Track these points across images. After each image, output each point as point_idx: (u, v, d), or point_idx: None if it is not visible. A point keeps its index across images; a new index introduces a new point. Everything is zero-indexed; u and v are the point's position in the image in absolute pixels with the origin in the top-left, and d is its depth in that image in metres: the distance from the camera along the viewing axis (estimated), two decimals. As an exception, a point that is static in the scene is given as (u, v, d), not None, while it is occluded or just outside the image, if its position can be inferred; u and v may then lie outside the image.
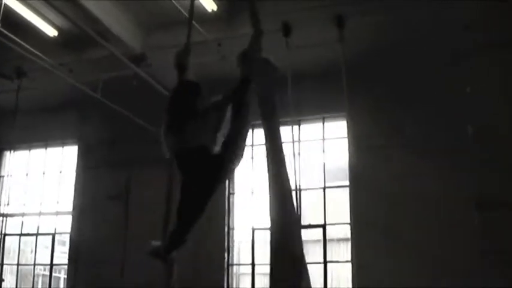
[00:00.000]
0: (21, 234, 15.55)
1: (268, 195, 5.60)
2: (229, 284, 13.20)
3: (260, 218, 13.10)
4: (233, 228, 13.59)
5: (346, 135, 12.43)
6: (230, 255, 13.38)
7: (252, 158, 13.33)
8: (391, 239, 11.56)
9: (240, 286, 14.05)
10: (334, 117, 13.21)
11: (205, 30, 10.85)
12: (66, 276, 15.29)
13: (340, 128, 13.07)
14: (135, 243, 12.76)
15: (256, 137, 13.29)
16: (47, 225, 15.53)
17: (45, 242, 15.93)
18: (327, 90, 12.51)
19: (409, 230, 11.50)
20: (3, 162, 16.28)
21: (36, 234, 15.38)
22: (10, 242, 16.03)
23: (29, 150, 16.13)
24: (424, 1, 10.42)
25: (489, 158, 11.19)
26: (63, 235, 16.07)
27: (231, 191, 13.64)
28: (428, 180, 11.65)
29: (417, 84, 12.16)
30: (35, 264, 15.41)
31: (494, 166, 11.18)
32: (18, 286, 15.33)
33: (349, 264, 12.15)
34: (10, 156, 15.79)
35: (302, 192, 12.63)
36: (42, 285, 17.43)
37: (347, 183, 12.60)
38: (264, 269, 11.87)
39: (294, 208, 5.57)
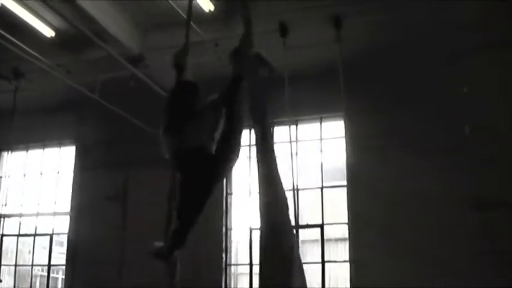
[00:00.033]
0: (19, 235, 15.54)
1: (258, 196, 5.62)
2: (228, 284, 13.20)
3: (258, 218, 13.09)
4: (231, 229, 13.60)
5: (343, 135, 12.46)
6: (228, 255, 13.39)
7: (250, 158, 13.33)
8: (388, 239, 11.57)
9: (238, 286, 14.06)
10: (332, 117, 13.22)
11: (203, 30, 10.86)
12: (64, 277, 15.26)
13: (337, 128, 13.07)
14: (132, 244, 12.79)
15: (253, 137, 13.28)
16: (45, 225, 15.52)
17: (43, 242, 15.90)
18: (325, 90, 12.51)
19: (407, 230, 11.51)
20: (0, 163, 16.26)
21: (34, 235, 15.36)
22: (8, 243, 16.01)
23: (27, 150, 16.11)
24: (423, 1, 10.43)
25: (488, 158, 11.21)
26: (61, 236, 16.07)
27: (228, 192, 13.64)
28: (426, 180, 11.65)
29: (416, 84, 12.16)
30: (32, 265, 15.40)
31: (493, 166, 11.20)
32: (16, 287, 15.30)
33: (347, 264, 12.15)
34: (8, 156, 15.80)
35: (300, 192, 12.67)
36: (40, 285, 17.44)
37: (345, 183, 12.58)
38: (261, 269, 11.87)
39: (285, 208, 5.58)
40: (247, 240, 13.23)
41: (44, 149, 15.95)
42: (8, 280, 15.66)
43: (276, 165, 5.65)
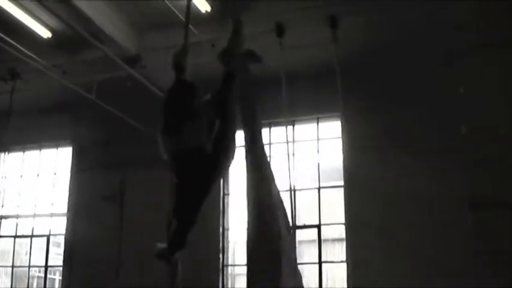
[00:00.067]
0: (15, 236, 15.51)
1: (247, 196, 5.60)
2: (225, 284, 13.20)
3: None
4: (228, 229, 13.59)
5: (340, 135, 12.46)
6: (225, 256, 13.38)
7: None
8: (385, 239, 11.58)
9: (235, 287, 14.05)
10: (328, 118, 13.22)
11: (199, 31, 10.85)
12: (61, 278, 15.25)
13: (334, 128, 13.08)
14: (129, 244, 12.80)
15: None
16: (42, 226, 15.50)
17: (39, 243, 15.89)
18: (321, 90, 12.51)
19: (403, 230, 11.52)
20: (-3, 164, 16.26)
21: (31, 236, 15.34)
22: (4, 244, 15.99)
23: (23, 151, 16.08)
24: (417, 1, 10.44)
25: (483, 158, 11.21)
26: (57, 237, 16.05)
27: (225, 192, 13.63)
28: (423, 180, 11.66)
29: (411, 84, 12.17)
30: (29, 266, 15.37)
31: (488, 166, 11.18)
32: (12, 288, 15.32)
33: (344, 264, 12.14)
34: (4, 157, 15.79)
35: (297, 192, 12.66)
36: (37, 287, 17.42)
37: (341, 183, 12.61)
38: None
39: (276, 210, 5.54)
40: (245, 240, 13.20)
41: (40, 150, 15.92)
42: (5, 281, 15.64)
43: (268, 167, 5.60)
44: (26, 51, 11.41)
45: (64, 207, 14.97)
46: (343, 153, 12.30)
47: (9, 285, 15.18)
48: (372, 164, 12.12)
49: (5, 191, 15.79)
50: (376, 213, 11.82)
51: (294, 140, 13.14)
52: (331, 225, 13.40)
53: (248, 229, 5.56)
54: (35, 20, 11.47)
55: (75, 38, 11.39)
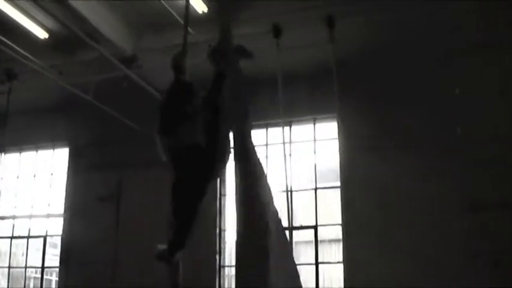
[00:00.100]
0: (12, 237, 15.51)
1: (236, 194, 5.59)
2: (221, 285, 13.18)
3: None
4: (225, 230, 13.57)
5: (337, 136, 12.46)
6: (222, 256, 13.37)
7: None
8: (382, 240, 11.57)
9: (232, 287, 14.04)
10: (325, 118, 13.21)
11: (196, 31, 10.85)
12: (57, 279, 15.23)
13: (331, 129, 13.07)
14: (126, 245, 12.80)
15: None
16: (38, 227, 15.50)
17: (36, 244, 15.87)
18: (318, 91, 12.52)
19: (401, 230, 11.51)
20: (-6, 165, 16.23)
21: (28, 237, 15.33)
22: (1, 245, 15.99)
23: (20, 152, 16.07)
24: (417, 1, 10.43)
25: (483, 158, 11.20)
26: (54, 237, 16.02)
27: (222, 193, 13.62)
28: (420, 181, 11.65)
29: (410, 84, 12.14)
30: (26, 267, 15.37)
31: (488, 166, 11.17)
32: (9, 289, 15.30)
33: (341, 265, 12.15)
34: (1, 158, 15.74)
35: (293, 193, 12.68)
36: (33, 287, 17.39)
37: (338, 184, 12.60)
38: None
39: (263, 206, 5.51)
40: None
41: (37, 150, 15.90)
42: (2, 282, 15.61)
43: (258, 165, 5.58)
44: (22, 51, 11.42)
45: (61, 208, 14.95)
46: (340, 154, 12.30)
47: (5, 286, 15.16)
48: (369, 165, 12.11)
49: (1, 191, 15.74)
50: (373, 214, 11.81)
51: (290, 140, 13.12)
52: (327, 226, 13.41)
53: (237, 226, 5.55)
54: (31, 20, 11.47)
55: (71, 38, 11.41)
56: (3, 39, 10.90)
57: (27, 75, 12.68)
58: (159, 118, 5.86)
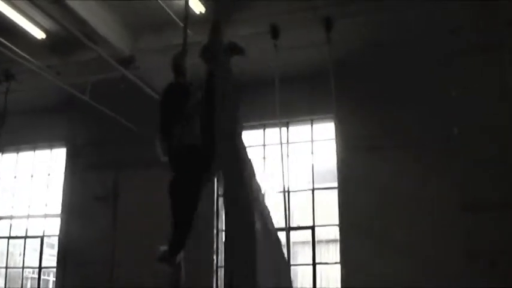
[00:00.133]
0: (9, 237, 15.49)
1: (223, 193, 5.56)
2: (218, 286, 13.17)
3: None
4: (222, 230, 13.56)
5: (334, 136, 12.46)
6: (219, 257, 13.36)
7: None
8: (380, 240, 11.58)
9: (229, 288, 14.01)
10: (323, 119, 13.22)
11: (194, 32, 10.84)
12: (55, 279, 15.23)
13: (328, 130, 13.07)
14: (123, 245, 12.79)
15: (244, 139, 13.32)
16: (36, 227, 15.48)
17: (33, 244, 15.87)
18: (316, 92, 12.52)
19: (398, 231, 11.52)
20: (-9, 165, 16.23)
21: (25, 237, 15.33)
22: (-2, 245, 15.99)
23: (17, 152, 16.06)
24: (417, 2, 10.42)
25: (483, 158, 11.21)
26: (51, 238, 16.03)
27: (219, 193, 13.61)
28: (418, 181, 11.67)
29: (408, 85, 12.12)
30: (23, 267, 15.37)
31: (487, 167, 11.17)
32: (6, 289, 15.29)
33: (338, 266, 12.14)
34: (-2, 158, 15.79)
35: (291, 194, 12.68)
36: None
37: (336, 184, 12.60)
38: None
39: (252, 205, 5.48)
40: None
41: (34, 150, 15.89)
42: (-1, 282, 15.63)
43: (248, 164, 5.54)
44: (20, 52, 11.40)
45: (58, 208, 14.95)
46: (337, 154, 12.29)
47: (3, 287, 15.15)
48: (367, 165, 12.12)
49: (-1, 192, 15.78)
50: (371, 214, 11.81)
51: (288, 141, 13.14)
52: (325, 227, 13.41)
53: (225, 227, 5.53)
54: (29, 21, 11.47)
55: (69, 39, 11.40)
56: (1, 39, 10.89)
57: (25, 76, 12.68)
58: (158, 118, 5.88)
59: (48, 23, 11.68)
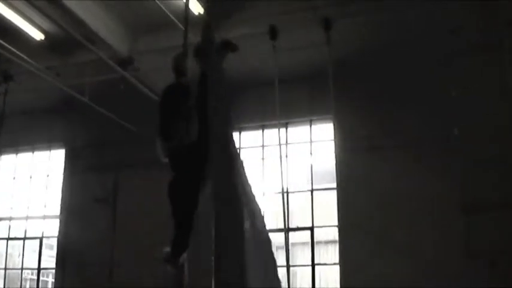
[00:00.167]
0: (8, 238, 15.48)
1: (213, 195, 5.54)
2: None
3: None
4: (221, 231, 13.52)
5: (333, 137, 12.44)
6: (219, 257, 13.32)
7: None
8: (379, 241, 11.57)
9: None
10: (322, 120, 13.20)
11: (193, 33, 10.82)
12: (54, 280, 15.21)
13: (327, 131, 13.06)
14: (122, 246, 12.77)
15: (243, 140, 13.35)
16: (35, 229, 15.47)
17: (32, 245, 15.85)
18: (315, 92, 12.52)
19: (397, 231, 11.51)
20: (-10, 166, 16.21)
21: (24, 238, 15.33)
22: (-3, 246, 15.97)
23: (16, 154, 16.05)
24: (417, 2, 10.41)
25: (483, 158, 11.19)
26: (50, 239, 16.01)
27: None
28: (417, 181, 11.66)
29: (408, 85, 12.12)
30: (22, 269, 15.36)
31: (487, 167, 11.15)
32: (5, 290, 15.28)
33: (337, 267, 12.14)
34: (-3, 160, 15.77)
35: (290, 194, 12.66)
36: (29, 288, 17.37)
37: (334, 185, 12.58)
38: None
39: (242, 206, 5.47)
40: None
41: (33, 152, 15.88)
42: (-2, 283, 15.61)
43: (240, 164, 5.50)
44: (19, 53, 11.39)
45: (57, 209, 14.94)
46: (336, 155, 12.28)
47: (1, 288, 15.17)
48: (366, 166, 12.12)
49: (-2, 193, 15.76)
50: (370, 215, 11.80)
51: (287, 142, 13.13)
52: (324, 228, 13.40)
53: (214, 227, 5.51)
54: (27, 22, 11.46)
55: (68, 40, 11.39)
56: (0, 41, 10.87)
57: (24, 77, 12.66)
58: (157, 119, 5.88)
59: (46, 24, 11.67)
